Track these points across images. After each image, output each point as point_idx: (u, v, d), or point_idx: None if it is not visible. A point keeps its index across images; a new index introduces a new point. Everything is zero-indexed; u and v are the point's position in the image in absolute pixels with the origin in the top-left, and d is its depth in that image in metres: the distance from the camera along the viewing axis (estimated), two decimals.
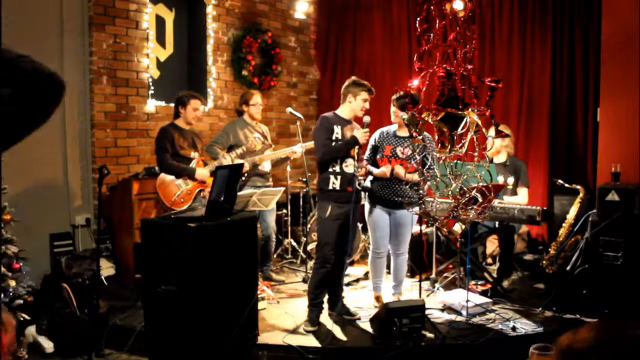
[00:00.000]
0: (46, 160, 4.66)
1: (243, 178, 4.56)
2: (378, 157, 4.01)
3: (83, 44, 4.91)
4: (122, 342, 3.58)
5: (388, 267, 4.37)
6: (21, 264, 3.68)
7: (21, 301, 3.47)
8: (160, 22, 5.48)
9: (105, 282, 4.46)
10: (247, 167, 4.56)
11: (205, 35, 5.88)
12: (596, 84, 5.06)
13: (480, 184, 2.83)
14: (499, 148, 4.86)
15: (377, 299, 4.17)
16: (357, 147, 3.68)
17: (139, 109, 5.27)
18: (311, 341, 3.50)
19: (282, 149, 4.91)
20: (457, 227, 4.32)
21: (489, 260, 5.23)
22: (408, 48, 6.47)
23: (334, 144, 3.69)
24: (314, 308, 3.76)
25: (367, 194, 4.11)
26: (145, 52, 5.30)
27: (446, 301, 4.11)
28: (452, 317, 3.88)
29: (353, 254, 5.17)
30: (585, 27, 5.36)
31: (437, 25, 2.66)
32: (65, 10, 4.75)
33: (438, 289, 4.53)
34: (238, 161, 4.51)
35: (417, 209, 3.28)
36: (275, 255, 5.32)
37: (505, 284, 4.66)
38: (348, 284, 4.72)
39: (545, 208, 4.42)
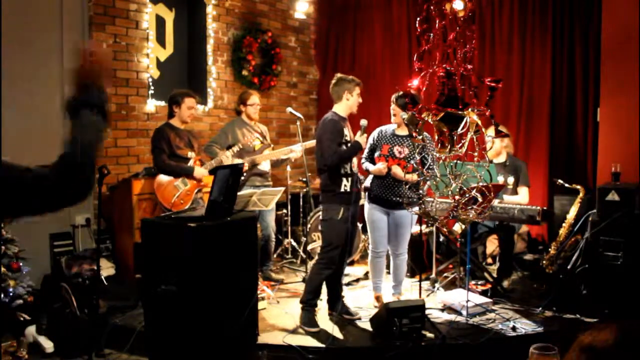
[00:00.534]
0: (46, 160, 4.65)
1: (242, 178, 4.56)
2: (376, 156, 4.01)
3: (84, 44, 4.90)
4: (122, 342, 3.58)
5: (388, 267, 4.38)
6: (21, 264, 3.68)
7: (21, 301, 3.48)
8: (160, 22, 5.48)
9: (105, 282, 4.45)
10: (246, 166, 4.56)
11: (205, 35, 5.88)
12: (596, 84, 5.06)
13: (480, 184, 2.83)
14: (499, 149, 4.86)
15: (377, 298, 4.17)
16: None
17: (139, 109, 5.27)
18: (311, 341, 3.50)
19: (280, 149, 4.92)
20: (457, 227, 4.32)
21: (489, 260, 5.23)
22: (408, 48, 6.47)
23: (343, 147, 3.69)
24: (310, 308, 3.75)
25: (366, 193, 4.12)
26: (145, 52, 5.30)
27: (446, 301, 4.11)
28: (452, 317, 3.88)
29: (353, 254, 5.17)
30: (585, 27, 5.36)
31: (437, 25, 2.66)
32: (65, 10, 4.75)
33: (438, 289, 4.53)
34: (237, 161, 4.51)
35: (416, 209, 3.28)
36: (275, 255, 5.32)
37: (505, 284, 4.66)
38: (348, 284, 4.72)
39: (545, 208, 4.42)
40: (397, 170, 3.84)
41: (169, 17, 5.59)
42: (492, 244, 5.12)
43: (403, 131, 3.93)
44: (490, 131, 2.82)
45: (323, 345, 3.45)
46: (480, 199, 2.81)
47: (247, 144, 4.60)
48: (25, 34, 4.42)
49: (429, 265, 4.79)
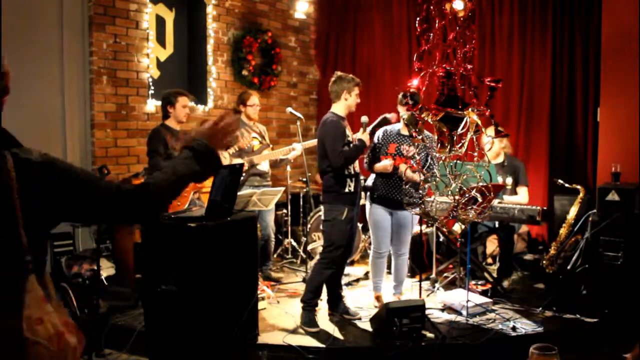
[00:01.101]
0: None
1: (242, 178, 4.56)
2: (382, 156, 4.00)
3: (83, 44, 4.91)
4: (122, 342, 3.58)
5: (388, 267, 4.38)
6: None
7: None
8: (160, 22, 5.48)
9: (105, 282, 4.45)
10: (246, 166, 4.56)
11: (205, 35, 5.88)
12: (596, 84, 5.06)
13: (480, 184, 2.83)
14: (497, 151, 4.87)
15: (377, 298, 4.17)
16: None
17: (139, 109, 5.27)
18: (311, 341, 3.50)
19: (280, 149, 4.92)
20: (457, 227, 4.33)
21: (489, 260, 5.23)
22: (408, 48, 6.47)
23: (346, 148, 3.69)
24: (311, 308, 3.75)
25: (367, 193, 4.11)
26: (145, 52, 5.31)
27: (446, 301, 4.11)
28: (452, 317, 3.88)
29: (353, 254, 5.17)
30: (585, 27, 5.36)
31: (436, 25, 2.66)
32: (65, 10, 4.75)
33: (438, 289, 4.53)
34: (237, 161, 4.51)
35: (417, 209, 3.28)
36: (275, 255, 5.32)
37: (505, 284, 4.66)
38: (348, 284, 4.72)
39: (545, 208, 4.42)
40: (403, 169, 3.81)
41: (169, 17, 5.59)
42: (492, 244, 5.12)
43: (406, 131, 3.94)
44: (490, 131, 2.82)
45: (323, 345, 3.45)
46: (480, 199, 2.81)
47: (243, 147, 4.58)
48: (25, 34, 4.42)
49: (429, 265, 4.79)
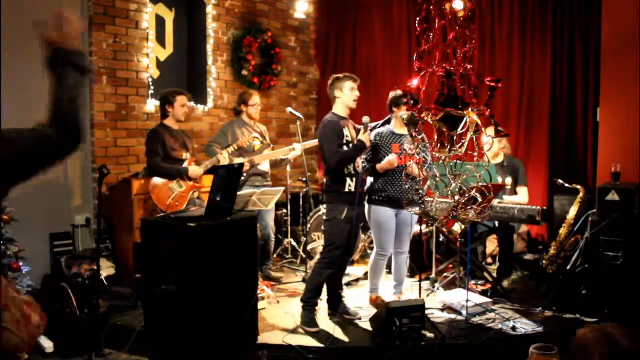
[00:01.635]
0: None
1: (242, 178, 4.56)
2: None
3: (83, 44, 4.90)
4: (122, 342, 3.58)
5: (388, 267, 4.37)
6: (21, 264, 3.68)
7: None
8: (160, 22, 5.48)
9: (105, 282, 4.45)
10: (246, 166, 4.56)
11: (205, 35, 5.88)
12: (596, 84, 5.06)
13: (480, 184, 2.83)
14: (497, 151, 4.87)
15: (375, 300, 4.16)
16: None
17: (139, 109, 5.27)
18: (311, 341, 3.50)
19: (280, 149, 4.92)
20: (457, 227, 4.32)
21: (489, 260, 5.23)
22: (408, 48, 6.47)
23: (345, 148, 3.68)
24: (311, 308, 3.75)
25: (367, 196, 4.09)
26: (145, 52, 5.31)
27: (446, 301, 4.11)
28: (452, 317, 3.88)
29: (353, 254, 5.16)
30: (585, 27, 5.36)
31: (436, 25, 2.66)
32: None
33: (438, 289, 4.53)
34: (239, 160, 4.51)
35: (417, 209, 3.27)
36: (275, 255, 5.32)
37: (505, 284, 4.66)
38: (348, 284, 4.72)
39: (545, 208, 4.42)
40: (412, 168, 3.78)
41: (169, 17, 5.59)
42: (492, 244, 5.12)
43: (401, 130, 3.93)
44: (490, 131, 2.82)
45: (323, 345, 3.45)
46: (480, 199, 2.81)
47: (242, 145, 4.57)
48: (25, 33, 4.42)
49: (429, 265, 4.79)
